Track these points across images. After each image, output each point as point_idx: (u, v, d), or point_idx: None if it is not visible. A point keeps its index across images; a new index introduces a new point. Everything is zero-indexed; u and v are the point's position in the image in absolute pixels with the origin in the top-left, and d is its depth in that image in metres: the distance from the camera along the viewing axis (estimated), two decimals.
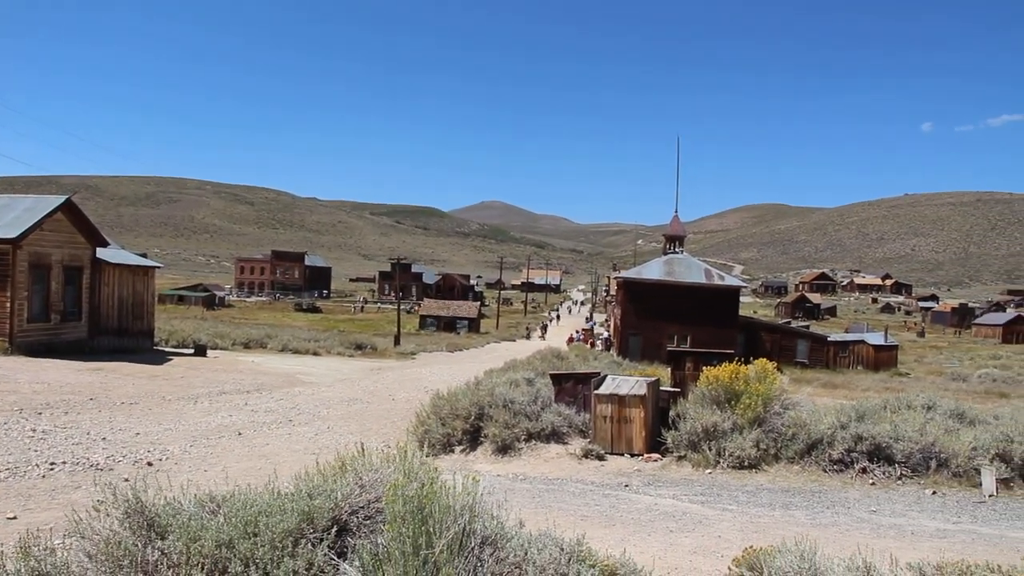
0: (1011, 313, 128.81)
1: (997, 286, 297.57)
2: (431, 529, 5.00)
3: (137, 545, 5.34)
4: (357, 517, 5.84)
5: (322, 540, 5.50)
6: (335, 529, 5.66)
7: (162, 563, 5.26)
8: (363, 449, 6.97)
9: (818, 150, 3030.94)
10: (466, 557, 5.21)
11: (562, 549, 6.44)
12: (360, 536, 5.64)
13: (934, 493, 14.30)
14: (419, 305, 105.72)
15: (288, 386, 27.41)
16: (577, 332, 66.97)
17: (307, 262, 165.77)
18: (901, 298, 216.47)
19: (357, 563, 5.23)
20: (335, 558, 5.40)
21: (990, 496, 14.10)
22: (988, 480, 14.35)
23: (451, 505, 5.22)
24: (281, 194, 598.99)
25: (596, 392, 17.36)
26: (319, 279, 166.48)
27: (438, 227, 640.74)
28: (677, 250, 54.94)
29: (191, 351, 36.58)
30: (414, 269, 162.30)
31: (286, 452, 16.38)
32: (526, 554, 6.00)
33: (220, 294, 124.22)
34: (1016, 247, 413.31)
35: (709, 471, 15.48)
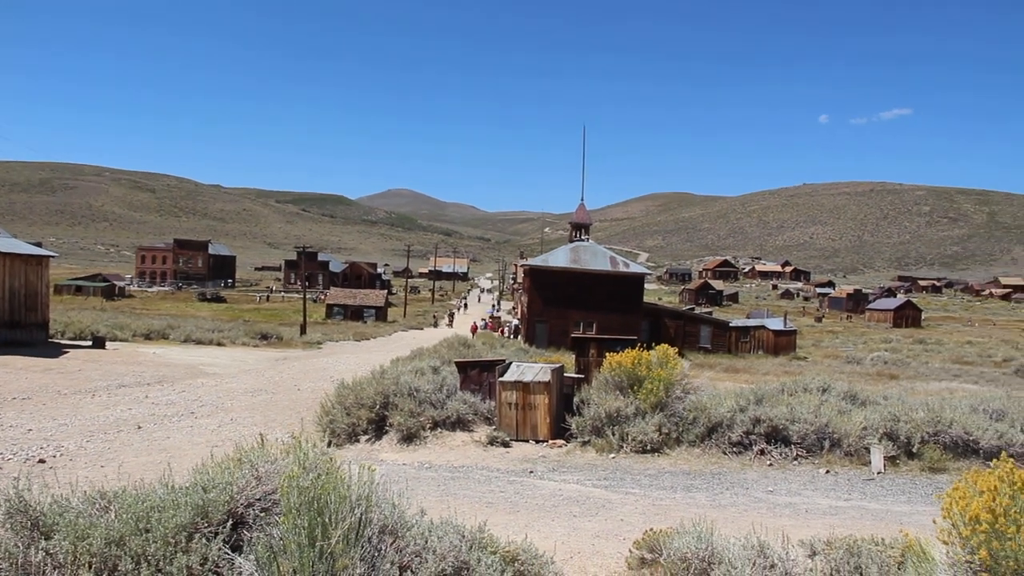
0: (901, 298, 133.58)
1: (889, 272, 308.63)
2: (327, 520, 4.96)
3: (19, 546, 5.15)
4: (254, 510, 5.75)
5: (217, 534, 5.40)
6: (231, 523, 5.56)
7: (47, 564, 5.09)
8: (262, 440, 6.87)
9: (722, 140, 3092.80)
10: (363, 547, 5.18)
11: (463, 536, 6.46)
12: (257, 529, 5.55)
13: (827, 472, 14.77)
14: (326, 294, 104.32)
15: (191, 378, 26.80)
16: (482, 320, 67.02)
17: (211, 251, 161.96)
18: (800, 284, 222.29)
19: (252, 557, 5.16)
20: (230, 552, 5.31)
21: (878, 473, 14.64)
22: (877, 458, 14.90)
23: (347, 495, 5.18)
24: (183, 181, 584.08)
25: (501, 379, 17.42)
26: (223, 268, 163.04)
27: (345, 215, 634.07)
28: (583, 238, 55.34)
29: (89, 343, 35.43)
30: (321, 257, 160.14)
31: (187, 446, 16.02)
32: (426, 542, 6.00)
33: (120, 284, 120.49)
34: (906, 235, 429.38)
35: (613, 456, 15.69)
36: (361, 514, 5.19)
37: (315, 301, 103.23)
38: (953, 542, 5.53)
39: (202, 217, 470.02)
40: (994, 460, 5.78)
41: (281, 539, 5.04)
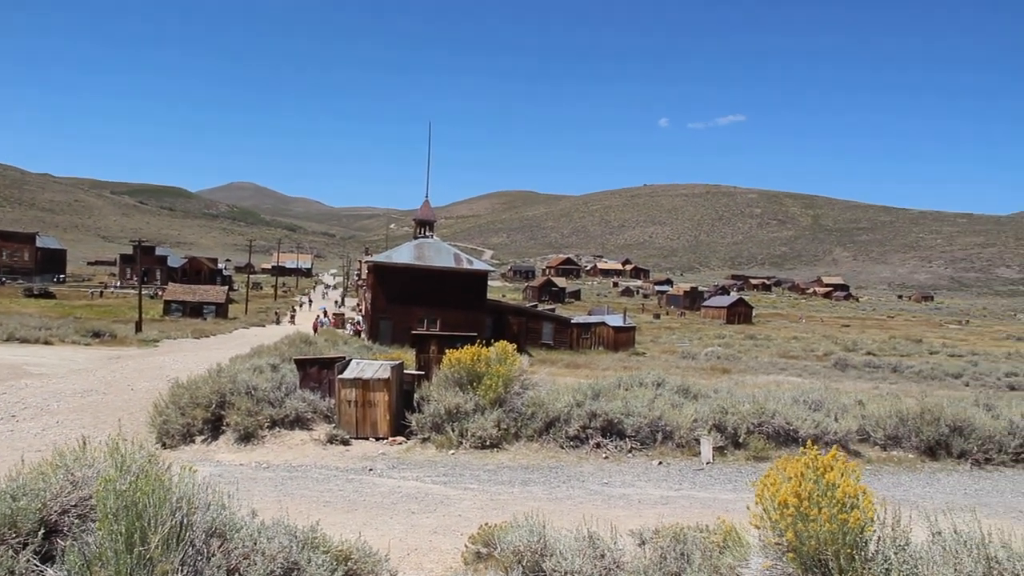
0: (734, 296, 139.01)
1: (723, 271, 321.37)
2: (146, 524, 4.79)
3: None
4: (69, 517, 5.50)
5: (26, 545, 5.13)
6: (43, 531, 5.30)
7: None
8: (84, 443, 6.57)
9: (566, 140, 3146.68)
10: (186, 551, 5.04)
11: (295, 537, 6.37)
12: (71, 537, 5.31)
13: (660, 463, 15.29)
14: (163, 290, 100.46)
15: (14, 378, 25.32)
16: (323, 317, 65.87)
17: (39, 243, 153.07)
18: (639, 282, 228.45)
19: (64, 567, 4.93)
20: (39, 564, 5.06)
21: (707, 463, 15.27)
22: (706, 449, 15.53)
23: (167, 498, 5.02)
24: (8, 168, 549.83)
25: (340, 377, 17.24)
26: (53, 262, 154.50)
27: (185, 208, 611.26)
28: (427, 235, 55.23)
29: None
30: (158, 252, 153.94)
31: (6, 451, 15.17)
32: (255, 544, 5.89)
33: None
34: (739, 236, 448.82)
35: (452, 452, 15.77)
36: (183, 517, 5.04)
37: (152, 297, 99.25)
38: (765, 526, 5.83)
39: (29, 207, 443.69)
40: (802, 448, 6.13)
41: (97, 546, 4.84)
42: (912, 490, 14.19)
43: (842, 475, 5.59)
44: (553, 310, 79.47)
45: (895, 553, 5.59)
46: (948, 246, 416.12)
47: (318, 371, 18.44)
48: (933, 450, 16.64)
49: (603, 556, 7.14)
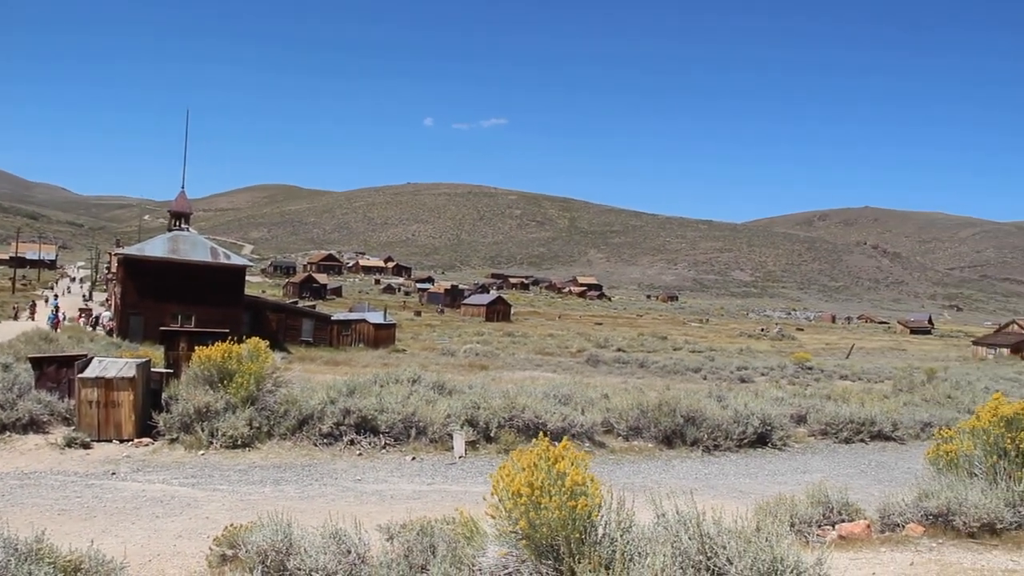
0: (493, 294, 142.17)
1: (483, 270, 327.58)
2: None
3: None
4: None
5: None
6: None
7: None
8: None
9: (329, 134, 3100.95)
10: None
11: (15, 550, 6.02)
12: None
13: (413, 459, 15.49)
14: None
15: None
16: (59, 312, 61.57)
17: None
18: (401, 280, 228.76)
19: None
20: None
21: (460, 457, 15.63)
22: (459, 443, 15.89)
23: None
24: None
25: (81, 376, 16.26)
26: None
27: None
28: (183, 227, 53.02)
29: None
30: None
31: None
32: None
33: None
34: (499, 236, 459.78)
35: (202, 452, 15.28)
36: None
37: None
38: (500, 515, 6.10)
39: None
40: (534, 440, 6.45)
41: None
42: (650, 476, 15.13)
43: (572, 465, 5.94)
44: (314, 307, 78.40)
45: (620, 535, 6.01)
46: (691, 250, 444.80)
47: (56, 370, 17.31)
48: (670, 439, 17.82)
49: (348, 552, 7.21)
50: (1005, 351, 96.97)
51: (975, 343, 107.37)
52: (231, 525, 8.40)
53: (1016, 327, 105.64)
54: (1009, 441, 10.03)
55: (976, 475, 10.18)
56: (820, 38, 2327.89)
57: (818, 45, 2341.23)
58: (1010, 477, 9.81)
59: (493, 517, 6.18)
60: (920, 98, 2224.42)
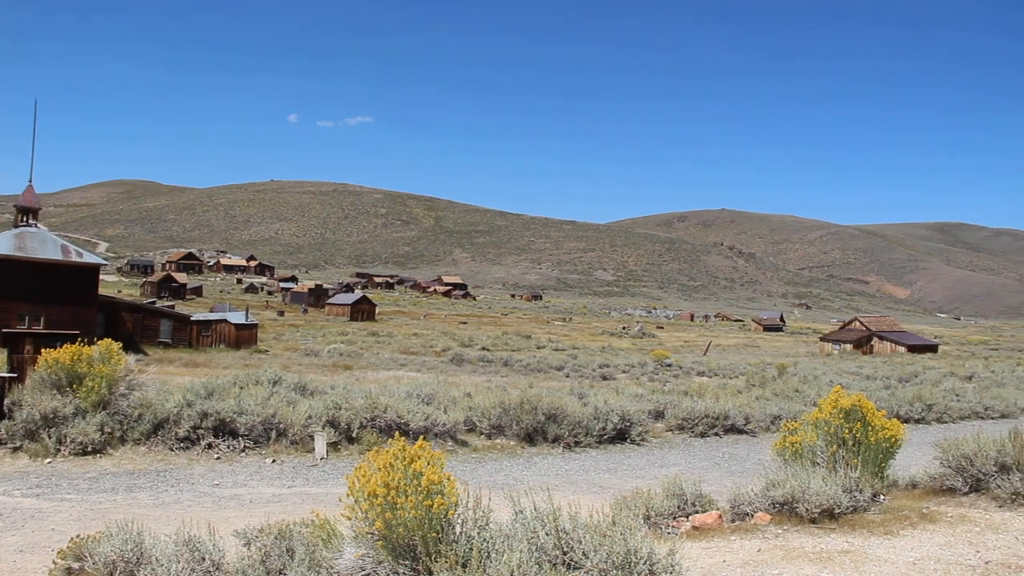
0: (358, 294, 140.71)
1: (348, 269, 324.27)
2: None
3: None
4: None
5: None
6: None
7: None
8: None
9: (191, 130, 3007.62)
10: None
11: None
12: None
13: (274, 461, 15.22)
14: None
15: None
16: None
17: None
18: (264, 279, 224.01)
19: None
20: None
21: (321, 459, 15.44)
22: (320, 445, 15.70)
23: None
24: None
25: None
26: None
27: None
28: (31, 223, 50.41)
29: None
30: None
31: None
32: None
33: None
34: (364, 235, 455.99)
35: (49, 461, 14.60)
36: None
37: None
38: (357, 516, 6.08)
39: None
40: (390, 440, 6.45)
41: None
42: (512, 474, 15.29)
43: (428, 464, 5.98)
44: (173, 307, 75.89)
45: (477, 532, 6.08)
46: (555, 250, 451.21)
47: None
48: (532, 436, 18.05)
49: (203, 560, 7.03)
50: (848, 347, 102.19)
51: (822, 339, 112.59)
52: (77, 536, 8.07)
53: (858, 324, 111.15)
54: (847, 431, 10.59)
55: (818, 464, 10.69)
56: (681, 39, 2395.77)
57: (678, 46, 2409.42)
58: (847, 465, 10.38)
59: (349, 518, 6.15)
60: (773, 104, 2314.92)
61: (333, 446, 16.06)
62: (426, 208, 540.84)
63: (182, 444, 15.47)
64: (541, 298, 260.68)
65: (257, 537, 7.89)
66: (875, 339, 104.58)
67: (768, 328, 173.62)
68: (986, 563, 7.73)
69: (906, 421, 23.61)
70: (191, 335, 57.70)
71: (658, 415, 21.73)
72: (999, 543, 8.47)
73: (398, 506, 5.74)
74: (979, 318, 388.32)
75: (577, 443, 18.08)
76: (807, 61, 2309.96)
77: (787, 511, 9.53)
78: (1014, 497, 10.01)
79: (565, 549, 6.17)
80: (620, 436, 19.04)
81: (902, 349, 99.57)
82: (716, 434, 21.00)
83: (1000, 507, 9.96)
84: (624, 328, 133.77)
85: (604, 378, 43.10)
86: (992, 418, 26.87)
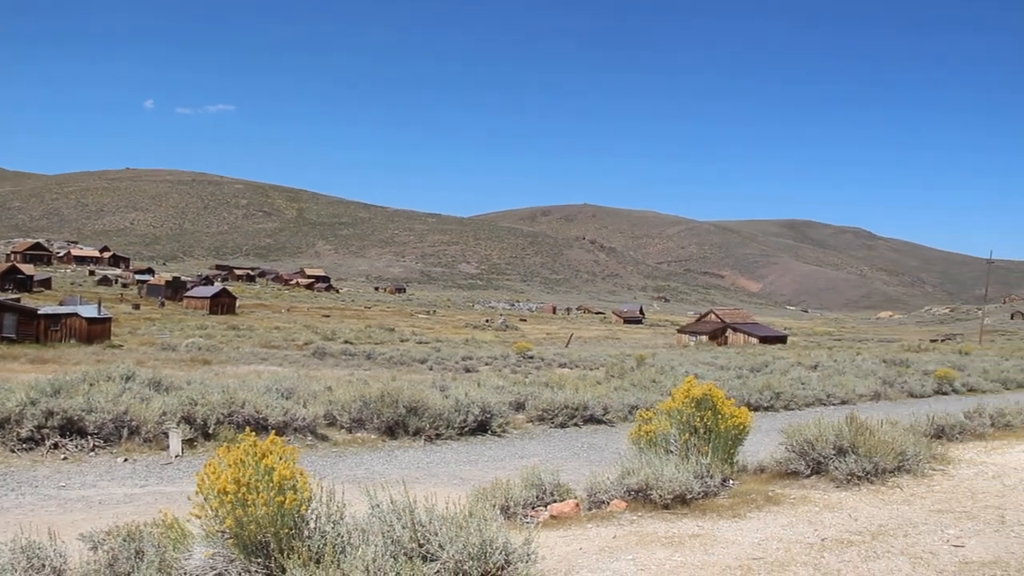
0: (218, 286, 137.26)
1: (208, 261, 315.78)
2: None
3: None
4: None
5: None
6: None
7: None
8: None
9: (38, 114, 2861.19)
10: None
11: None
12: None
13: (125, 461, 14.68)
14: None
15: None
16: None
17: None
18: (119, 271, 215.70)
19: None
20: None
21: (176, 457, 15.00)
22: (175, 442, 15.25)
23: None
24: None
25: None
26: None
27: None
28: None
29: None
30: None
31: None
32: None
33: None
34: (224, 226, 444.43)
35: None
36: None
37: None
38: (207, 515, 5.95)
39: None
40: (240, 436, 6.34)
41: None
42: (373, 468, 15.20)
43: (281, 459, 5.90)
44: (18, 300, 72.30)
45: (331, 527, 6.04)
46: (419, 243, 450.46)
47: None
48: (393, 430, 18.00)
49: (43, 567, 6.72)
50: (704, 338, 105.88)
51: (679, 331, 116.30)
52: None
53: (714, 316, 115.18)
54: (699, 420, 10.99)
55: (671, 452, 11.05)
56: (537, 32, 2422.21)
57: (533, 39, 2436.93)
58: (699, 452, 10.78)
59: (199, 517, 6.01)
60: (632, 99, 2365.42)
61: (189, 443, 15.62)
62: (289, 199, 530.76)
63: (25, 445, 14.73)
64: (405, 291, 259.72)
65: (104, 540, 7.59)
66: (729, 331, 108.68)
67: (628, 320, 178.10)
68: (823, 540, 8.16)
69: (756, 409, 24.55)
70: (38, 330, 55.21)
71: (519, 406, 21.96)
72: (835, 521, 8.98)
73: (249, 503, 5.64)
74: (824, 311, 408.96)
75: (438, 436, 18.13)
76: (660, 56, 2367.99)
77: (642, 498, 9.80)
78: (849, 478, 10.63)
79: (421, 541, 6.19)
80: (481, 428, 19.18)
81: (754, 340, 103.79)
82: (576, 424, 21.38)
83: (838, 487, 10.55)
84: (487, 321, 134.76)
85: (467, 370, 43.31)
86: (834, 404, 28.23)
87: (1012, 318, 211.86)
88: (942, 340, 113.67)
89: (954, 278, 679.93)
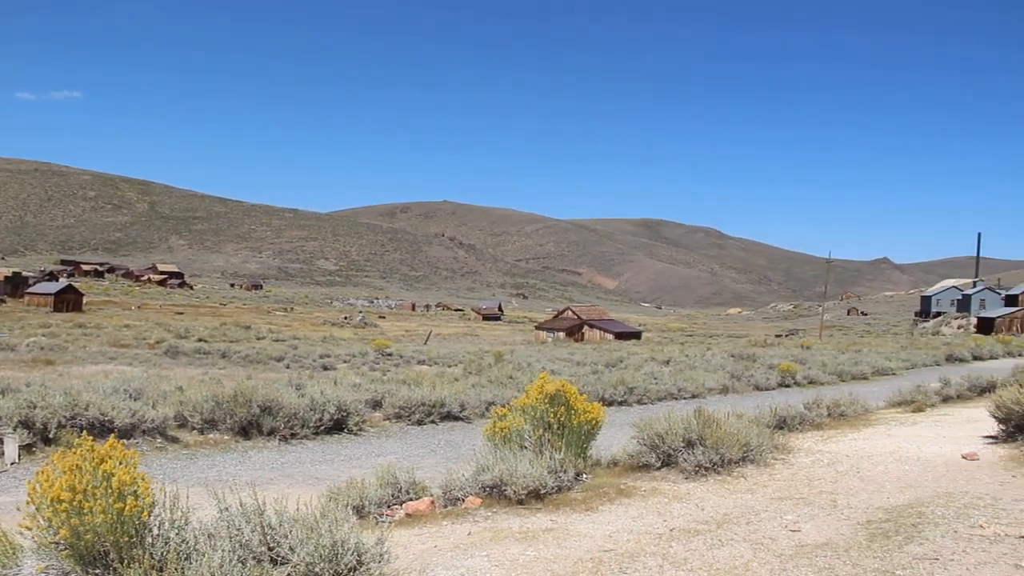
0: (63, 282, 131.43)
1: (52, 256, 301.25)
2: None
3: None
4: None
5: None
6: None
7: None
8: None
9: None
10: None
11: None
12: None
13: None
14: None
15: None
16: None
17: None
18: None
19: None
20: None
21: (12, 464, 14.22)
22: (11, 448, 14.46)
23: None
24: None
25: None
26: None
27: None
28: None
29: None
30: None
31: None
32: None
33: None
34: (71, 219, 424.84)
35: None
36: None
37: None
38: (39, 526, 5.67)
39: None
40: (77, 440, 6.08)
41: None
42: (226, 469, 14.81)
43: (120, 463, 5.68)
44: None
45: (175, 533, 5.86)
46: (277, 238, 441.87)
47: None
48: (246, 430, 17.58)
49: None
50: (561, 334, 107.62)
51: (537, 328, 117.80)
52: None
53: (571, 313, 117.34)
54: (552, 415, 11.16)
55: (526, 448, 11.18)
56: (384, 28, 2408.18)
57: (401, 33, 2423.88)
58: (553, 447, 10.94)
59: (30, 528, 5.72)
60: (490, 95, 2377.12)
61: (27, 449, 14.82)
62: (140, 192, 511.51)
63: None
64: (262, 288, 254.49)
65: None
66: (586, 327, 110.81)
67: (487, 317, 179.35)
68: (671, 530, 8.42)
69: (610, 404, 25.07)
70: None
71: (376, 404, 21.79)
72: (683, 511, 9.29)
73: (86, 511, 5.40)
74: (677, 307, 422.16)
75: (294, 435, 17.81)
76: (518, 54, 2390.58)
77: (496, 494, 9.89)
78: (697, 469, 11.01)
79: (271, 545, 6.08)
80: (338, 426, 18.95)
81: (610, 336, 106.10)
82: (433, 422, 21.37)
83: (687, 479, 10.92)
84: (346, 318, 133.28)
85: (325, 368, 42.66)
86: (685, 398, 29.09)
87: (848, 314, 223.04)
88: (786, 335, 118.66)
89: (797, 276, 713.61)
